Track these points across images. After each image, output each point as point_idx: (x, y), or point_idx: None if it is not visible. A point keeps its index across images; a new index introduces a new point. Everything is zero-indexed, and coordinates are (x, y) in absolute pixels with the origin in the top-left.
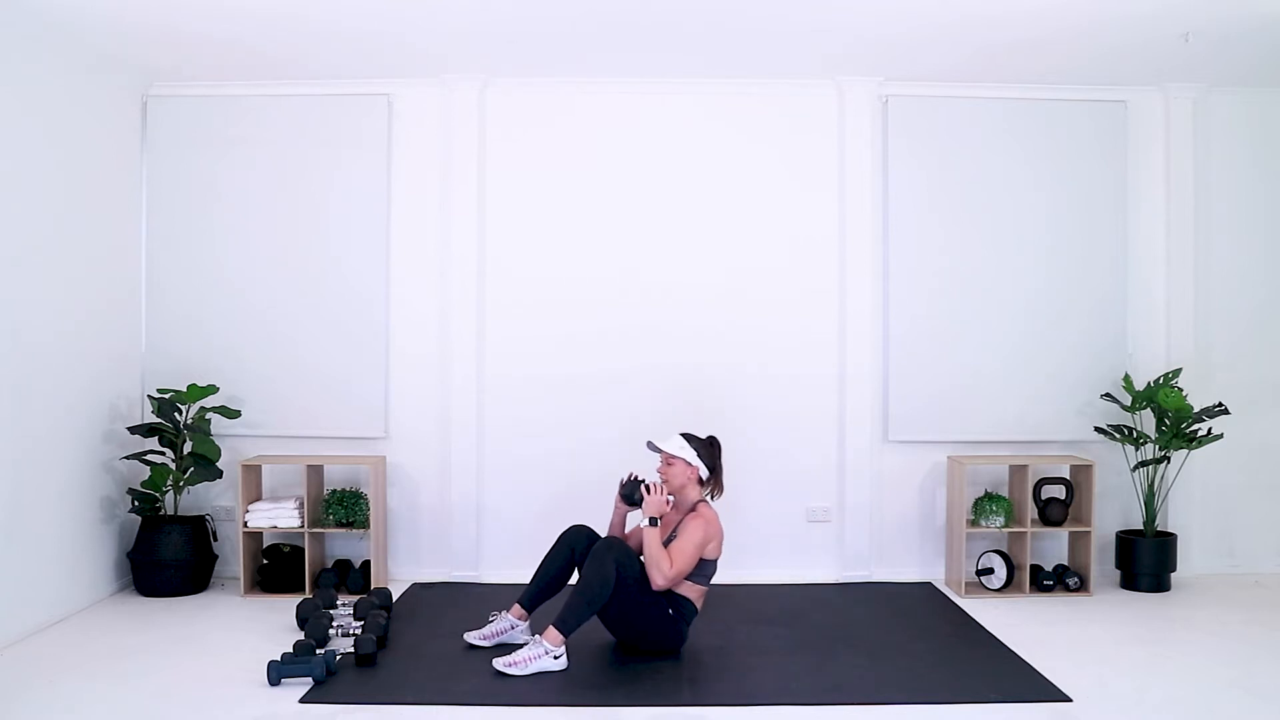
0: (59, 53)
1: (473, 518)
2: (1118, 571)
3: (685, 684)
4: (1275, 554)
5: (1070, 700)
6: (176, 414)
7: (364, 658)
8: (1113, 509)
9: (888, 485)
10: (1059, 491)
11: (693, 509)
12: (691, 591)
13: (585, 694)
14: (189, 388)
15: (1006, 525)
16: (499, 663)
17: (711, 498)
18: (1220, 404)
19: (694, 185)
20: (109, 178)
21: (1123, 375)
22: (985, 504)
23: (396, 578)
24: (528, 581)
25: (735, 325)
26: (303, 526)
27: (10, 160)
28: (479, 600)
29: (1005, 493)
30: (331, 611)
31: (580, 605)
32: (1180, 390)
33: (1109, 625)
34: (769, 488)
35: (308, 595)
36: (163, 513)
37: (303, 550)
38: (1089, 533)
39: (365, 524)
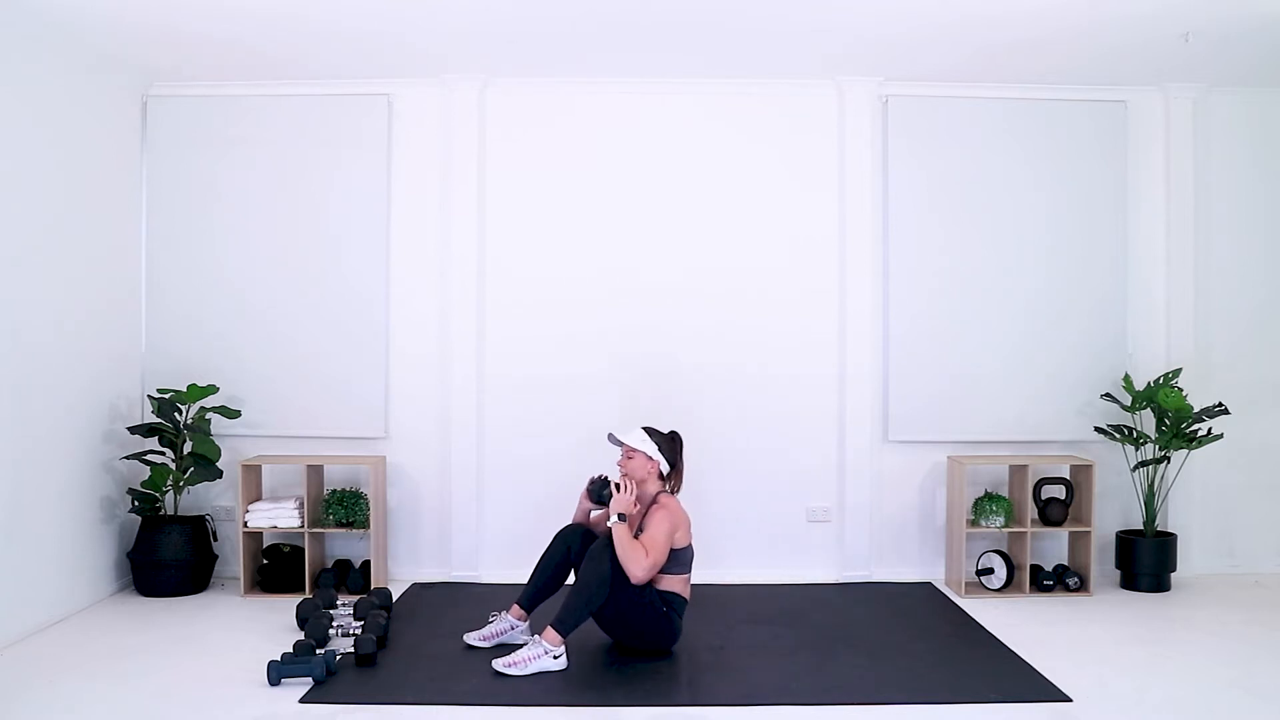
0: (59, 53)
1: (473, 518)
2: (1118, 571)
3: (685, 684)
4: (1275, 554)
5: (1070, 700)
6: (176, 414)
7: (364, 658)
8: (1113, 509)
9: (888, 485)
10: (1059, 491)
11: (654, 501)
12: (676, 583)
13: (585, 694)
14: (189, 388)
15: (1006, 525)
16: (499, 663)
17: (672, 492)
18: (1220, 404)
19: (694, 185)
20: (109, 178)
21: (1123, 375)
22: (985, 504)
23: (396, 578)
24: (526, 581)
25: (735, 325)
26: (303, 526)
27: (10, 160)
28: (479, 600)
29: (1005, 493)
30: (331, 611)
31: (578, 605)
32: (1180, 390)
33: (1109, 625)
34: (769, 488)
35: (308, 595)
36: (163, 513)
37: (303, 550)
38: (1089, 533)
39: (365, 524)
